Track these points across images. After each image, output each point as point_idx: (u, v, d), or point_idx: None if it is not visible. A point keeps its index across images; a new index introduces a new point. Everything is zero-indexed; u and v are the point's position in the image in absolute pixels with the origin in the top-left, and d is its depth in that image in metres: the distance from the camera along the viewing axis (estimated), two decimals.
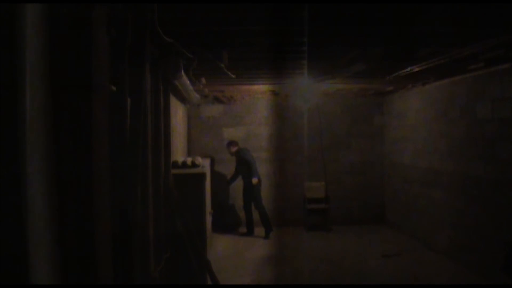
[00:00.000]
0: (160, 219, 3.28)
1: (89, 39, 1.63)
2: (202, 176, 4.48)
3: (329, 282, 4.76)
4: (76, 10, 1.57)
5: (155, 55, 3.03)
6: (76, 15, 1.57)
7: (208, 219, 5.35)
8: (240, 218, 7.50)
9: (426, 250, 5.97)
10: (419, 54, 4.03)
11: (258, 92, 7.25)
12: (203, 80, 5.23)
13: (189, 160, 4.86)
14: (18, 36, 1.19)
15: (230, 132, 7.75)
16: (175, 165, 4.66)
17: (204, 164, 5.17)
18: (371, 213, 7.84)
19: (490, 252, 4.61)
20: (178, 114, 6.19)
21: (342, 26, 3.21)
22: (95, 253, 1.66)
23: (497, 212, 4.50)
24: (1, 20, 1.16)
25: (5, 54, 1.17)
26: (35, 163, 1.26)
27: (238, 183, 7.58)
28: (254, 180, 6.86)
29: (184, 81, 4.13)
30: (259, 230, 6.99)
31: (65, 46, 1.54)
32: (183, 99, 6.35)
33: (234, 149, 7.12)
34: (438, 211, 5.83)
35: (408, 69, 4.72)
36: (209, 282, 4.03)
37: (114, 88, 2.11)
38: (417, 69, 4.65)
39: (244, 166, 6.98)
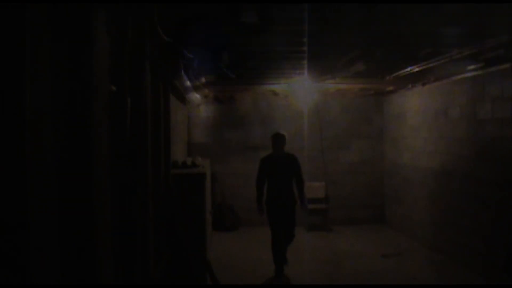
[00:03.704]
0: (160, 219, 3.28)
1: (89, 39, 1.63)
2: (202, 176, 4.48)
3: (329, 282, 4.76)
4: (76, 10, 1.57)
5: (155, 55, 3.03)
6: (76, 15, 1.57)
7: (208, 219, 5.35)
8: (239, 218, 7.49)
9: (426, 250, 5.97)
10: (419, 54, 4.03)
11: (258, 92, 7.25)
12: (203, 80, 5.23)
13: (189, 160, 4.87)
14: (18, 35, 1.19)
15: (230, 132, 7.75)
16: (175, 165, 4.66)
17: (204, 164, 5.17)
18: (371, 213, 7.84)
19: (490, 252, 4.61)
20: (178, 114, 6.19)
21: (342, 26, 3.22)
22: (95, 253, 1.66)
23: (497, 212, 4.49)
24: (2, 20, 1.16)
25: (6, 54, 1.17)
26: (35, 162, 1.26)
27: (237, 183, 7.57)
28: (306, 208, 5.20)
29: (184, 81, 4.13)
30: (259, 230, 6.97)
31: (65, 46, 1.54)
32: (183, 99, 6.35)
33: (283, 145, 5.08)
34: (438, 211, 5.83)
35: (408, 69, 4.72)
36: (209, 282, 4.03)
37: (114, 88, 2.10)
38: (417, 69, 4.65)
39: (287, 174, 4.98)
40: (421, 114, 6.34)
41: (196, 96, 5.83)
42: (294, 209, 5.02)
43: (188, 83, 4.42)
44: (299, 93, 7.16)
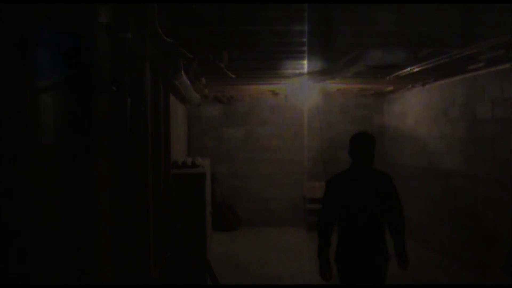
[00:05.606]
0: (160, 219, 3.28)
1: (89, 39, 1.63)
2: (202, 176, 4.48)
3: (329, 282, 4.74)
4: (76, 10, 1.57)
5: (155, 55, 3.03)
6: (76, 15, 1.57)
7: (208, 219, 5.35)
8: (239, 218, 7.49)
9: (425, 250, 5.96)
10: (419, 54, 4.03)
11: (258, 92, 7.25)
12: (203, 80, 5.23)
13: (189, 160, 4.86)
14: (19, 35, 1.19)
15: (230, 132, 7.75)
16: (175, 165, 4.65)
17: (204, 164, 5.17)
18: None
19: (490, 252, 4.61)
20: (178, 114, 6.19)
21: (342, 26, 3.22)
22: (95, 253, 1.66)
23: (497, 212, 4.49)
24: (2, 19, 1.16)
25: (6, 54, 1.17)
26: (35, 163, 1.26)
27: (237, 183, 7.56)
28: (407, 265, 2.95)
29: (184, 81, 4.13)
30: (259, 230, 6.97)
31: (66, 46, 1.54)
32: (183, 99, 6.34)
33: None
34: (438, 211, 5.83)
35: (408, 69, 4.72)
36: (209, 282, 4.03)
37: (114, 88, 2.10)
38: (417, 69, 4.65)
39: (377, 207, 2.96)
40: (421, 114, 6.34)
41: (196, 96, 5.83)
42: (386, 268, 2.95)
43: (188, 83, 4.42)
44: (299, 93, 7.16)
